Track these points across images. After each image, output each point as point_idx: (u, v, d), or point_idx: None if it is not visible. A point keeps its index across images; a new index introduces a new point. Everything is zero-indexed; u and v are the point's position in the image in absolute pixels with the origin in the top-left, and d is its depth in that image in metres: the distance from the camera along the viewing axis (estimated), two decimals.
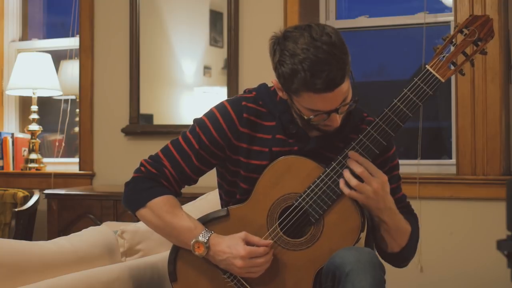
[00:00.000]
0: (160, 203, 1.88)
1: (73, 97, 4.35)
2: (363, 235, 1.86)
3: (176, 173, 1.92)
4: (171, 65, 3.94)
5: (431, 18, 3.57)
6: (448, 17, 3.54)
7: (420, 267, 3.32)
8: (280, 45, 1.74)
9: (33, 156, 4.22)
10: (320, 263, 1.81)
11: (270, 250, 1.82)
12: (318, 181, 1.81)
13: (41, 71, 4.15)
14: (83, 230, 2.13)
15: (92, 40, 4.07)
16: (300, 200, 1.82)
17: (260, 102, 1.92)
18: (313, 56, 1.68)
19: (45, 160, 4.31)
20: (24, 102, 4.57)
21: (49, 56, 4.22)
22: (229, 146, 1.91)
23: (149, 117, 4.01)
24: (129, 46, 3.95)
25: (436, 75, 1.79)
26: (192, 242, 1.83)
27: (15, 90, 4.24)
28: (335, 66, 1.68)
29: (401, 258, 1.96)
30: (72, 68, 4.30)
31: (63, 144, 4.31)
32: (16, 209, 3.57)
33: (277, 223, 1.85)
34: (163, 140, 2.17)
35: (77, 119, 4.24)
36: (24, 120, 4.57)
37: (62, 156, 4.26)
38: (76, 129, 4.29)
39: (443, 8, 3.68)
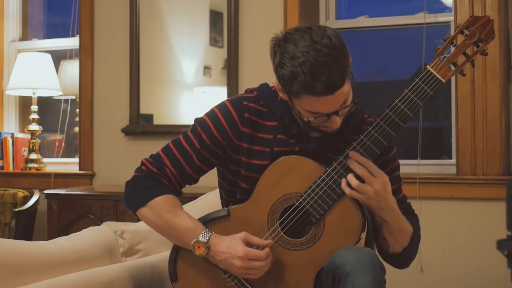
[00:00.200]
0: (161, 203, 1.89)
1: (73, 97, 4.35)
2: (363, 235, 1.86)
3: (177, 172, 1.92)
4: (171, 65, 3.94)
5: (431, 18, 3.57)
6: (448, 17, 3.54)
7: (420, 267, 3.32)
8: (280, 47, 1.74)
9: (33, 156, 4.22)
10: (320, 263, 1.81)
11: (270, 253, 1.81)
12: (319, 181, 1.81)
13: (41, 71, 4.15)
14: (83, 230, 2.13)
15: (92, 40, 4.07)
16: (301, 200, 1.82)
17: (262, 102, 1.92)
18: (313, 59, 1.68)
19: (45, 160, 4.31)
20: (24, 102, 4.57)
21: (49, 56, 4.22)
22: (230, 145, 1.91)
23: (149, 117, 4.01)
24: (129, 46, 3.95)
25: (437, 75, 1.80)
26: (192, 242, 1.83)
27: (15, 90, 4.24)
28: (335, 69, 1.68)
29: (403, 259, 1.96)
30: (72, 68, 4.30)
31: (63, 144, 4.31)
32: (16, 209, 3.56)
33: (278, 223, 1.85)
34: (163, 140, 2.17)
35: (77, 119, 4.24)
36: (24, 120, 4.57)
37: (62, 156, 4.26)
38: (76, 129, 4.29)
39: (443, 8, 3.68)
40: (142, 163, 1.95)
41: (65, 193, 3.64)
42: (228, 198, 1.99)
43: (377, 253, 1.95)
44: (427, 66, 1.82)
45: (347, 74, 1.72)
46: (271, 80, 1.89)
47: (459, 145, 3.31)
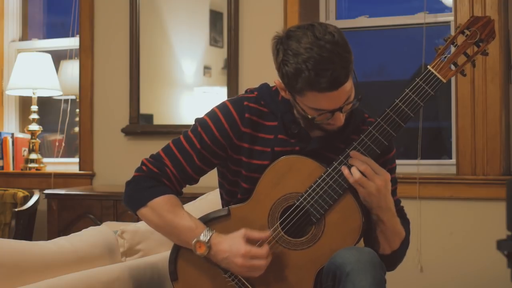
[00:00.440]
0: (162, 203, 1.88)
1: (73, 97, 4.35)
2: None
3: (178, 172, 1.92)
4: (171, 65, 3.94)
5: (431, 18, 3.57)
6: (448, 17, 3.54)
7: (420, 267, 3.31)
8: (283, 44, 1.74)
9: (33, 156, 4.22)
10: (321, 262, 1.81)
11: (270, 252, 1.81)
12: (319, 181, 1.81)
13: (41, 71, 4.15)
14: (83, 230, 2.12)
15: (92, 40, 4.07)
16: (301, 199, 1.82)
17: (262, 102, 1.92)
18: (317, 55, 1.68)
19: (45, 160, 4.31)
20: (24, 102, 4.57)
21: (49, 56, 4.22)
22: (231, 145, 1.91)
23: (149, 117, 4.01)
24: (129, 46, 3.95)
25: (438, 75, 1.80)
26: (193, 242, 1.83)
27: (15, 90, 4.24)
28: (339, 64, 1.68)
29: (390, 261, 1.95)
30: (72, 68, 4.30)
31: (63, 144, 4.31)
32: (16, 209, 3.57)
33: (278, 223, 1.85)
34: (163, 140, 2.17)
35: (77, 119, 4.24)
36: (24, 120, 4.57)
37: (62, 156, 4.26)
38: (76, 129, 4.29)
39: (443, 8, 3.68)
40: (143, 163, 1.95)
41: (65, 193, 3.64)
42: (228, 198, 1.99)
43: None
44: (428, 66, 1.82)
45: (350, 70, 1.72)
46: (272, 80, 1.89)
47: (459, 145, 3.31)
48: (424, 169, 3.50)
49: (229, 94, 3.71)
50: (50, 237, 3.46)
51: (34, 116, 4.22)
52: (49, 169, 4.22)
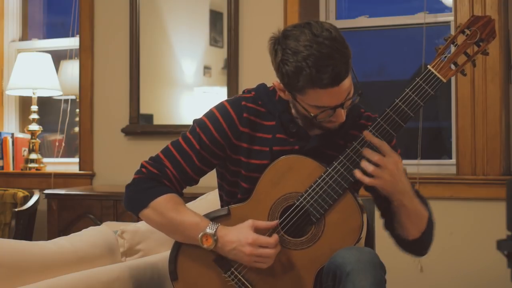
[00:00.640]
0: (163, 202, 1.88)
1: (73, 97, 4.35)
2: (363, 235, 1.86)
3: (178, 173, 1.92)
4: (171, 65, 3.94)
5: (431, 18, 3.57)
6: (448, 17, 3.54)
7: (420, 267, 3.31)
8: (281, 44, 1.74)
9: (33, 156, 4.22)
10: (321, 262, 1.81)
11: (278, 241, 1.81)
12: (319, 181, 1.81)
13: (41, 71, 4.15)
14: (83, 230, 2.12)
15: (92, 40, 4.07)
16: (301, 199, 1.82)
17: (260, 102, 1.92)
18: (316, 52, 1.68)
19: (45, 160, 4.31)
20: (24, 102, 4.57)
21: (49, 56, 4.22)
22: (229, 145, 1.91)
23: (149, 117, 4.01)
24: (129, 46, 3.95)
25: (438, 75, 1.80)
26: (200, 236, 1.82)
27: (15, 90, 4.24)
28: (339, 60, 1.69)
29: (422, 244, 1.94)
30: (72, 68, 4.30)
31: (63, 144, 4.31)
32: (16, 209, 3.56)
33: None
34: (163, 140, 2.17)
35: (77, 119, 4.24)
36: (24, 120, 4.57)
37: (62, 156, 4.26)
38: (76, 129, 4.29)
39: (443, 8, 3.68)
40: (142, 165, 1.95)
41: (65, 193, 3.64)
42: (228, 199, 1.98)
43: (376, 252, 1.94)
44: (428, 66, 1.82)
45: (349, 65, 1.73)
46: (271, 80, 1.89)
47: (459, 145, 3.31)
48: (424, 169, 3.50)
49: (229, 94, 3.71)
50: (50, 237, 3.46)
51: (34, 116, 4.22)
52: (49, 169, 4.22)
